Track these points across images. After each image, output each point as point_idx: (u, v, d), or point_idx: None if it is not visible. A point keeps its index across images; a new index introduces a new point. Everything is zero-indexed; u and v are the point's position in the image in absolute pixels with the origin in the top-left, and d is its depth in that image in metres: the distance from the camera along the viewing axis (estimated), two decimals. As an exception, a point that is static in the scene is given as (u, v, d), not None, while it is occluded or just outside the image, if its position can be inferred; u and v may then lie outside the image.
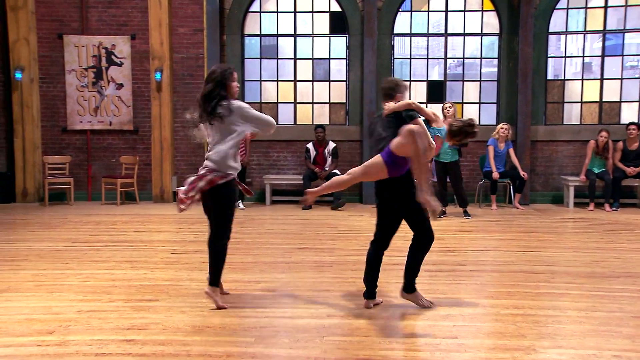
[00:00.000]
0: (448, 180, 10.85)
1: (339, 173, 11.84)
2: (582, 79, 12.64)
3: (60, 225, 9.70)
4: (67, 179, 12.07)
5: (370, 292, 5.33)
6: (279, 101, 12.83)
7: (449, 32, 12.67)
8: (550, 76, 12.67)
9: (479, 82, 12.77)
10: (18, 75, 12.13)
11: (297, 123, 12.82)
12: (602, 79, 12.54)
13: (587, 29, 12.57)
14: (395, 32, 12.60)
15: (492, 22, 12.63)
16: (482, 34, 12.65)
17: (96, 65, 12.50)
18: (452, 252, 7.64)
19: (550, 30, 12.51)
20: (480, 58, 12.75)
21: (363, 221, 10.08)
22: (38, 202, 12.25)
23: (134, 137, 12.61)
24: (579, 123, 12.67)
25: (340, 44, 12.71)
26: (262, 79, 12.80)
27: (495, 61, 12.69)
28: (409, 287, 5.31)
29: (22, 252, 7.54)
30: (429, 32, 12.70)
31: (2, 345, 4.34)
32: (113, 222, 9.92)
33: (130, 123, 12.55)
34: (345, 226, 9.65)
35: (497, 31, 12.60)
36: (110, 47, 12.47)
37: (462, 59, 12.81)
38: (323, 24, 12.67)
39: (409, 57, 12.80)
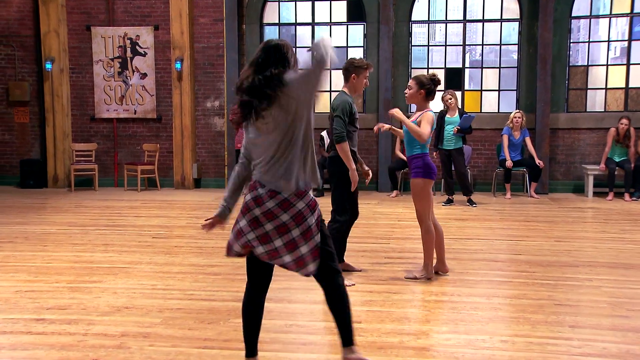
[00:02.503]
0: (453, 168, 10.78)
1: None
2: (607, 65, 12.24)
3: (72, 209, 10.20)
4: (92, 165, 12.61)
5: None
6: (297, 89, 12.95)
7: (467, 18, 12.49)
8: (572, 62, 12.32)
9: (498, 69, 12.55)
10: (48, 66, 12.72)
11: (315, 111, 12.91)
12: (628, 64, 12.12)
13: (613, 12, 12.14)
14: (412, 19, 12.52)
15: (512, 7, 12.37)
16: (501, 20, 12.42)
17: (121, 56, 12.97)
18: (415, 239, 7.63)
19: (573, 15, 12.15)
20: (500, 44, 12.53)
21: (364, 209, 10.13)
22: (67, 187, 12.84)
23: (157, 125, 13.03)
24: (603, 110, 12.29)
25: (357, 32, 12.73)
26: (281, 68, 12.95)
27: (515, 47, 12.43)
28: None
29: (13, 235, 8.04)
30: (447, 19, 12.55)
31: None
32: (121, 208, 10.36)
33: (154, 111, 12.98)
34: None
35: (517, 16, 12.33)
36: (134, 38, 12.91)
37: (481, 46, 12.62)
38: (340, 12, 12.72)
39: (426, 44, 12.69)
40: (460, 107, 11.21)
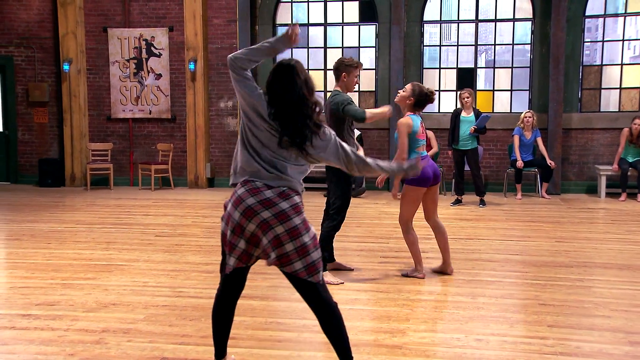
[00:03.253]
0: (466, 168, 10.72)
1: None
2: (622, 64, 12.08)
3: (83, 208, 10.38)
4: (107, 164, 12.81)
5: None
6: (310, 89, 13.01)
7: (479, 18, 12.43)
8: (586, 61, 12.18)
9: (510, 69, 12.47)
10: (66, 67, 12.95)
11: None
12: (644, 64, 11.95)
13: (629, 10, 11.99)
14: (424, 19, 12.50)
15: (525, 6, 12.28)
16: (514, 19, 12.34)
17: (137, 57, 13.15)
18: (424, 239, 7.63)
19: (587, 14, 12.02)
20: (512, 44, 12.44)
21: (370, 209, 10.18)
22: (83, 186, 13.05)
23: (172, 125, 13.19)
24: (617, 110, 12.14)
25: (369, 32, 12.75)
26: (293, 68, 13.02)
27: (528, 47, 12.34)
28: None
29: (21, 232, 8.22)
30: (459, 19, 12.50)
31: None
32: (132, 206, 10.51)
33: (168, 112, 13.14)
34: (348, 213, 9.74)
35: (530, 16, 12.24)
36: (150, 39, 13.09)
37: (493, 45, 12.55)
38: (353, 12, 12.75)
39: (438, 44, 12.66)
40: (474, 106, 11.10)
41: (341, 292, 5.43)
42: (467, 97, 10.50)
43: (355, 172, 3.43)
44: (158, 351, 4.12)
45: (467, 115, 10.46)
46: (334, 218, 5.89)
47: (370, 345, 4.18)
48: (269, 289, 5.51)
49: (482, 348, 4.10)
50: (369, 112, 5.75)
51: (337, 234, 7.34)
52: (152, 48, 13.10)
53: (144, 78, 13.17)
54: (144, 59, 13.14)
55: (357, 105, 5.94)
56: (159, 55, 13.09)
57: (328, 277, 5.59)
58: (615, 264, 6.37)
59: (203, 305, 5.05)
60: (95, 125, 13.44)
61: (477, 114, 10.49)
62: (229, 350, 3.90)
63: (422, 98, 5.76)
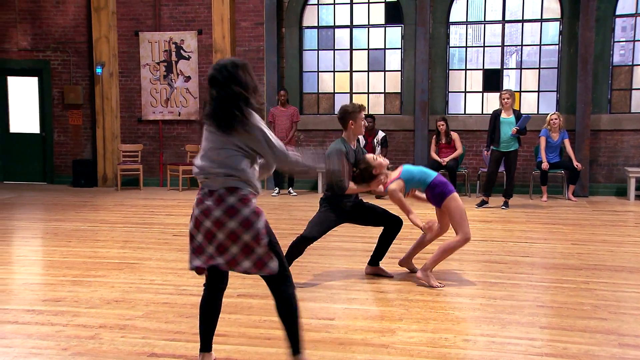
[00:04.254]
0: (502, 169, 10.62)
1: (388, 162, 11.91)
2: (654, 64, 11.83)
3: (110, 207, 10.62)
4: (137, 165, 13.07)
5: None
6: (336, 92, 13.08)
7: (507, 18, 12.30)
8: (616, 62, 11.96)
9: (537, 70, 12.31)
10: (98, 70, 13.26)
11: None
12: (676, 64, 11.68)
13: (661, 10, 11.73)
14: (450, 20, 12.43)
15: (552, 6, 12.11)
16: (541, 20, 12.18)
17: (167, 60, 13.39)
18: (438, 240, 7.61)
19: (617, 13, 11.79)
20: (540, 45, 12.28)
21: (392, 210, 10.14)
22: (115, 187, 13.34)
23: (200, 127, 13.37)
24: (649, 111, 11.89)
25: (395, 34, 12.74)
26: (320, 70, 13.11)
27: (556, 47, 12.17)
28: None
29: (45, 231, 8.48)
30: (486, 20, 12.40)
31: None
32: (157, 206, 10.71)
33: (197, 113, 13.33)
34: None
35: (558, 16, 12.07)
36: (179, 42, 13.31)
37: (520, 46, 12.41)
38: (378, 14, 12.75)
39: (464, 45, 12.58)
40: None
41: (341, 292, 5.48)
42: (508, 98, 10.24)
43: (282, 167, 3.59)
44: (149, 347, 4.22)
45: (507, 117, 10.22)
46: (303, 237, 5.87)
47: (356, 344, 4.21)
48: (267, 288, 5.56)
49: (468, 348, 4.10)
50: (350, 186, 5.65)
51: (349, 234, 7.41)
52: (182, 51, 13.32)
53: (173, 80, 13.39)
54: (173, 62, 13.37)
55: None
56: (188, 58, 13.30)
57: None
58: (627, 267, 6.27)
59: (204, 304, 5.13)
60: (127, 127, 13.72)
61: (518, 115, 10.30)
62: (219, 347, 4.00)
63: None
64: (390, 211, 6.04)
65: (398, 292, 5.46)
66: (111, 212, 10.17)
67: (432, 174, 5.64)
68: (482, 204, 10.50)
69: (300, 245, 5.76)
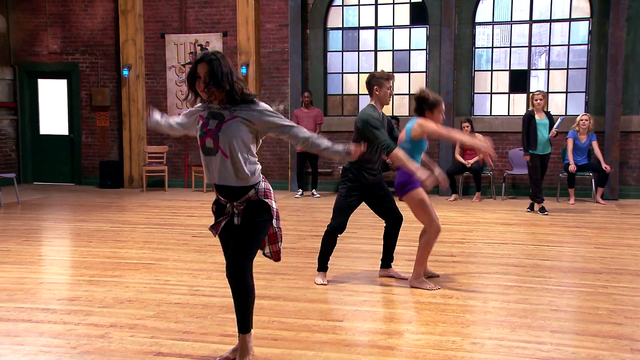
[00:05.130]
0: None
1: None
2: (687, 64, 11.55)
3: (134, 208, 10.72)
4: (162, 167, 13.18)
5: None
6: (360, 93, 13.02)
7: (534, 18, 12.12)
8: (647, 62, 11.71)
9: (566, 71, 12.11)
10: (125, 72, 13.42)
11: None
12: None
13: (694, 8, 11.45)
14: (476, 20, 12.30)
15: (581, 5, 11.90)
16: (570, 19, 11.98)
17: (192, 62, 13.44)
18: (457, 243, 7.54)
19: (649, 12, 11.56)
20: (568, 45, 12.08)
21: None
22: (140, 188, 13.46)
23: (225, 129, 13.43)
24: (681, 112, 11.61)
25: (420, 34, 12.64)
26: (344, 72, 13.07)
27: (585, 47, 11.95)
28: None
29: (68, 231, 8.59)
30: (513, 20, 12.23)
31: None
32: (179, 207, 10.77)
33: (221, 115, 13.37)
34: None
35: (587, 15, 11.85)
36: (204, 44, 13.39)
37: (548, 46, 12.21)
38: (403, 15, 12.67)
39: (490, 46, 12.43)
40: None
41: (353, 294, 5.44)
42: (540, 100, 9.94)
43: (300, 146, 3.85)
44: (156, 346, 4.23)
45: (541, 119, 9.94)
46: (330, 224, 5.84)
47: (362, 346, 4.17)
48: (282, 289, 5.56)
49: (475, 351, 4.02)
50: (399, 157, 5.40)
51: (368, 236, 7.37)
52: (207, 53, 13.36)
53: (198, 82, 13.44)
54: (199, 64, 13.42)
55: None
56: (213, 60, 13.34)
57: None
58: (650, 272, 6.11)
59: (214, 304, 5.15)
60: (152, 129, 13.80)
61: (549, 116, 10.08)
62: (225, 347, 4.09)
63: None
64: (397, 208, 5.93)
65: (410, 295, 5.39)
66: (135, 213, 10.26)
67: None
68: (543, 210, 9.93)
69: (332, 237, 5.79)
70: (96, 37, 14.07)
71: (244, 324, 3.88)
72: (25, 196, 11.94)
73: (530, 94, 10.42)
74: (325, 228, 5.88)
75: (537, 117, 9.94)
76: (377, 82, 5.76)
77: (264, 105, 3.77)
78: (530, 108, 10.14)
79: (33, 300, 5.35)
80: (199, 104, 3.89)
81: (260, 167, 3.89)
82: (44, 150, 14.53)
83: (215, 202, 3.93)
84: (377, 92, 5.76)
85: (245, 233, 3.75)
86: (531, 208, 10.19)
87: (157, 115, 4.28)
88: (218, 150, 3.70)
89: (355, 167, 5.69)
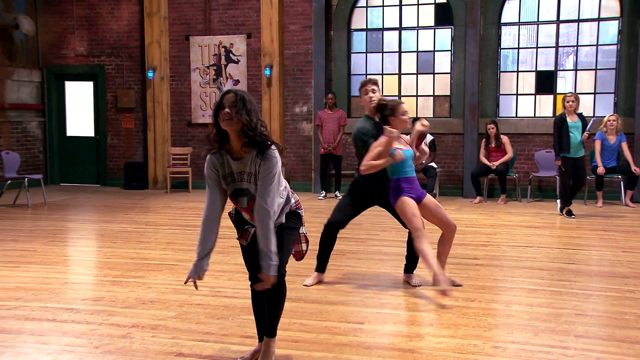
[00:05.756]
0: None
1: (436, 166, 11.77)
2: None
3: (158, 210, 10.79)
4: (186, 168, 13.24)
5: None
6: (384, 94, 12.88)
7: (561, 18, 11.97)
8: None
9: (594, 71, 11.93)
10: (150, 74, 13.51)
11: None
12: None
13: None
14: (502, 21, 12.18)
15: (611, 5, 11.72)
16: (599, 19, 11.80)
17: (216, 63, 13.53)
18: (481, 245, 7.46)
19: (681, 11, 11.35)
20: (597, 45, 11.89)
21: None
22: (165, 189, 13.54)
23: (249, 130, 13.45)
24: None
25: (445, 35, 12.55)
26: (368, 73, 13.02)
27: (614, 47, 11.77)
28: None
29: (93, 232, 8.67)
30: (539, 20, 12.09)
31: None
32: (202, 209, 10.75)
33: (245, 117, 13.40)
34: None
35: (617, 15, 11.67)
36: (228, 46, 13.43)
37: (575, 47, 12.05)
38: (428, 16, 12.59)
39: (516, 46, 12.30)
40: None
41: (375, 296, 5.39)
42: (573, 101, 9.71)
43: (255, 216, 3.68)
44: (177, 347, 4.23)
45: (574, 121, 9.71)
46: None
47: (383, 349, 4.13)
48: (303, 291, 5.54)
49: (497, 355, 3.96)
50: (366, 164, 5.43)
51: (391, 238, 7.33)
52: (231, 55, 13.43)
53: (222, 84, 13.51)
54: (222, 66, 13.49)
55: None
56: (237, 62, 13.40)
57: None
58: (679, 276, 5.98)
59: (235, 305, 5.14)
60: (177, 130, 13.91)
61: (582, 118, 9.89)
62: (245, 348, 4.10)
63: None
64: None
65: (432, 298, 5.33)
66: (158, 214, 10.32)
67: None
68: (569, 213, 9.75)
69: (326, 233, 5.79)
70: (122, 40, 14.18)
71: (274, 327, 3.86)
72: (51, 197, 12.07)
73: (562, 96, 10.19)
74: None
75: (568, 119, 9.69)
76: (359, 90, 5.84)
77: (274, 159, 3.62)
78: (562, 110, 9.93)
79: (57, 300, 5.38)
80: (210, 163, 3.71)
81: (290, 191, 3.89)
82: (70, 151, 14.68)
83: (236, 211, 3.91)
84: (360, 100, 5.80)
85: (279, 238, 3.70)
86: (561, 211, 9.90)
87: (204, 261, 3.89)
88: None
89: (358, 181, 5.78)
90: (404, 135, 5.61)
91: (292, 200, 3.90)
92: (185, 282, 3.82)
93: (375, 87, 5.76)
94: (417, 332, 4.43)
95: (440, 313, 4.90)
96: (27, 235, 8.29)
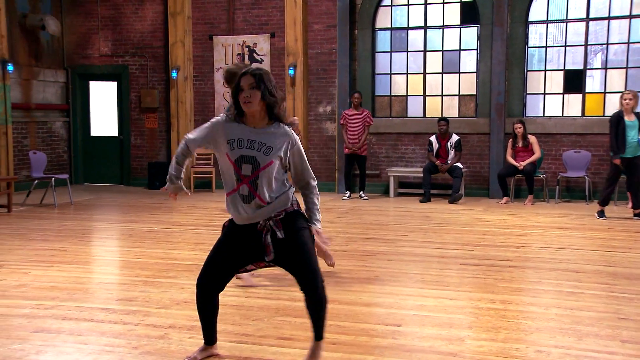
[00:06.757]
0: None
1: (461, 166, 11.67)
2: None
3: (183, 210, 10.79)
4: (210, 168, 13.24)
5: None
6: (409, 94, 12.89)
7: (591, 16, 11.81)
8: None
9: (624, 70, 11.76)
10: (174, 74, 13.53)
11: (426, 116, 12.79)
12: None
13: None
14: (529, 19, 12.05)
15: (643, 1, 11.55)
16: (630, 16, 11.62)
17: (239, 63, 13.49)
18: (512, 247, 7.36)
19: None
20: (628, 43, 11.71)
21: (464, 215, 9.91)
22: (188, 189, 13.51)
23: (272, 130, 13.42)
24: None
25: (471, 34, 12.44)
26: (392, 72, 12.94)
27: (643, 46, 11.62)
28: None
29: (121, 232, 8.67)
30: (568, 18, 11.94)
31: (23, 306, 5.17)
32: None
33: (269, 116, 13.37)
34: (440, 219, 9.55)
35: (649, 11, 11.50)
36: (252, 46, 13.41)
37: (605, 45, 11.88)
38: (454, 14, 12.48)
39: (544, 45, 12.16)
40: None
41: (410, 298, 5.33)
42: (630, 100, 9.48)
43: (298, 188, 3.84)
44: (215, 348, 4.18)
45: (631, 120, 9.51)
46: None
47: (423, 352, 4.07)
48: (337, 292, 5.47)
49: (541, 360, 3.89)
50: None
51: (420, 239, 7.28)
52: (255, 54, 13.41)
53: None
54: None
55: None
56: (261, 61, 13.38)
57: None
58: None
59: (269, 306, 5.10)
60: (201, 130, 13.88)
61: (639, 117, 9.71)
62: (284, 350, 4.06)
63: None
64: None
65: (468, 300, 5.26)
66: (184, 214, 10.31)
67: None
68: (602, 214, 9.60)
69: None
70: (146, 40, 14.22)
71: (321, 331, 3.83)
72: (76, 197, 12.11)
73: (619, 94, 9.97)
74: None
75: (626, 118, 9.48)
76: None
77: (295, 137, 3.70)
78: (619, 108, 9.64)
79: (92, 300, 5.38)
80: (220, 117, 3.74)
81: (291, 185, 3.78)
82: (94, 151, 14.74)
83: (232, 222, 3.80)
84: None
85: (299, 244, 3.64)
86: (600, 214, 9.64)
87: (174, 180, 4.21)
88: (255, 198, 3.61)
89: None
90: None
91: (293, 197, 3.75)
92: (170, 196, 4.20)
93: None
94: (457, 335, 4.36)
95: (477, 316, 4.83)
96: (56, 235, 8.31)
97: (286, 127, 3.65)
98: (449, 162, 11.75)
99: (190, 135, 3.83)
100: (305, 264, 3.63)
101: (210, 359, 4.01)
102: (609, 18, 11.76)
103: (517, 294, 5.43)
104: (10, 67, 12.30)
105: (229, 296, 5.40)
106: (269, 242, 3.63)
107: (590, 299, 5.23)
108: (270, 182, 3.60)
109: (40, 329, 4.59)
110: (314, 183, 3.77)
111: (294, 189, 3.79)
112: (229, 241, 3.78)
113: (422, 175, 11.84)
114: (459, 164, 11.69)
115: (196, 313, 4.83)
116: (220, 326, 4.59)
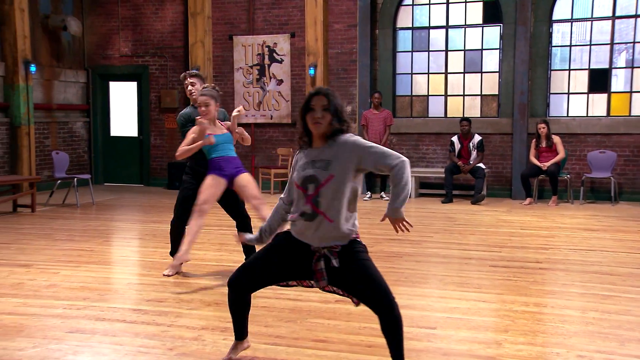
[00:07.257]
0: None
1: (484, 167, 11.59)
2: None
3: (205, 209, 10.73)
4: (231, 168, 13.22)
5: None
6: (430, 94, 12.81)
7: (617, 14, 11.67)
8: None
9: (651, 69, 11.63)
10: (194, 74, 13.51)
11: (448, 116, 12.71)
12: None
13: None
14: (553, 18, 11.94)
15: (667, 1, 11.41)
16: (656, 15, 11.49)
17: (260, 63, 13.49)
18: (541, 248, 7.29)
19: None
20: (653, 42, 11.58)
21: (488, 216, 9.83)
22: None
23: (292, 130, 13.39)
24: None
25: (493, 33, 12.35)
26: (413, 72, 12.87)
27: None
28: None
29: (145, 232, 8.67)
30: (593, 17, 11.82)
31: (56, 306, 5.17)
32: (248, 210, 10.71)
33: (289, 117, 13.37)
34: (463, 220, 9.49)
35: (676, 10, 11.36)
36: (272, 46, 13.39)
37: (632, 44, 11.72)
38: (476, 13, 12.40)
39: (568, 44, 12.04)
40: None
41: (441, 300, 5.28)
42: None
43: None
44: (250, 350, 4.15)
45: None
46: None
47: (462, 355, 4.01)
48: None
49: (584, 365, 3.82)
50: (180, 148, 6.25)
51: (444, 240, 7.21)
52: (275, 54, 13.38)
53: (265, 84, 13.48)
54: (266, 65, 13.45)
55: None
56: (281, 61, 13.35)
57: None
58: None
59: (300, 308, 5.06)
60: (221, 130, 13.88)
61: None
62: (319, 352, 3.97)
63: None
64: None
65: (501, 302, 5.20)
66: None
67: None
68: None
69: (173, 229, 6.43)
70: (166, 40, 14.23)
71: (402, 353, 3.45)
72: (97, 197, 12.13)
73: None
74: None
75: None
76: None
77: (356, 138, 3.52)
78: None
79: (123, 301, 5.37)
80: (296, 161, 3.65)
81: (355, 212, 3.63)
82: (114, 151, 14.78)
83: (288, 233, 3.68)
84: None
85: (359, 266, 3.46)
86: None
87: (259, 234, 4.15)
88: (319, 215, 3.48)
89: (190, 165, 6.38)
90: (226, 122, 6.39)
91: (356, 222, 3.62)
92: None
93: (194, 80, 6.50)
94: (494, 339, 4.30)
95: (512, 319, 4.76)
96: (81, 235, 8.32)
97: (343, 136, 3.48)
98: (471, 162, 11.66)
99: (283, 195, 3.81)
100: (373, 286, 3.39)
101: (246, 361, 3.98)
102: (635, 16, 11.62)
103: (550, 296, 5.36)
104: (32, 68, 12.35)
105: (259, 297, 5.33)
106: (321, 269, 3.49)
107: (628, 302, 5.15)
108: (335, 199, 3.44)
109: (74, 329, 4.58)
110: (396, 162, 3.38)
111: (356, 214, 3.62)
112: (278, 251, 3.67)
113: (443, 175, 11.77)
114: (481, 165, 11.60)
115: (228, 315, 4.80)
116: (253, 327, 4.56)
